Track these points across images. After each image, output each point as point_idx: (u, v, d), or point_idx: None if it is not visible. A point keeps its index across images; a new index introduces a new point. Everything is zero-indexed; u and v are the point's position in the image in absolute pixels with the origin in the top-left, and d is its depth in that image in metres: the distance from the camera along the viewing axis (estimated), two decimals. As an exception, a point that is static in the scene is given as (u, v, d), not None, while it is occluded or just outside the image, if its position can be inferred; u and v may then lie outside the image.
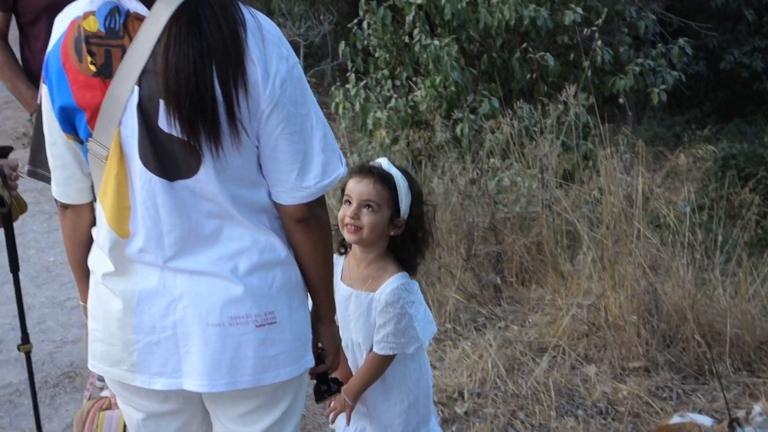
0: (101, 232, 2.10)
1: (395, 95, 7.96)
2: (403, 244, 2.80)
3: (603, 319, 4.75)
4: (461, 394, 4.27)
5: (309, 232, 2.12)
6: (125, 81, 1.94)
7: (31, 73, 4.24)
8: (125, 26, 1.96)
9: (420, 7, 7.49)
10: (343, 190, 2.80)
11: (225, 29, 1.91)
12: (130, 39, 1.94)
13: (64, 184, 2.15)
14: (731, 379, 4.46)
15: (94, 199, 2.14)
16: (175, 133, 1.95)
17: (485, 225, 5.72)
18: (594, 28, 6.48)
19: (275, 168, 2.04)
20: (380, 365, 2.77)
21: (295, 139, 2.02)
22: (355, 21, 8.20)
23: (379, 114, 7.57)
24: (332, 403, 2.81)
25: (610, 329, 4.67)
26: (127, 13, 1.96)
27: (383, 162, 2.79)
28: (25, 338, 3.63)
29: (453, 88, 7.33)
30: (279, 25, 9.13)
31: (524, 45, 7.32)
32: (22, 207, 3.32)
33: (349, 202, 2.74)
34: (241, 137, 1.96)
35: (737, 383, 4.43)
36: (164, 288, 2.07)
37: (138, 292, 2.08)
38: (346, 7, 12.08)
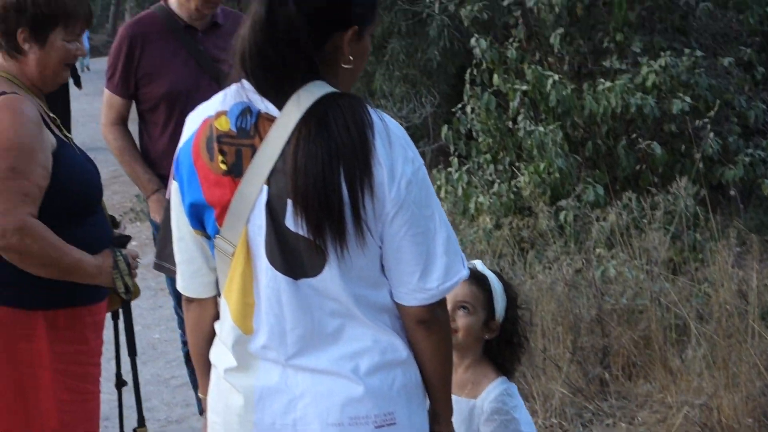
0: (225, 328, 2.13)
1: (498, 180, 7.93)
2: (498, 347, 2.77)
3: (716, 419, 4.58)
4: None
5: (430, 333, 2.12)
6: (255, 180, 1.99)
7: (148, 157, 4.36)
8: (256, 126, 2.01)
9: (525, 93, 7.49)
10: None
11: (353, 131, 1.94)
12: (261, 139, 1.99)
13: (189, 278, 2.20)
14: None
15: (218, 294, 2.17)
16: (301, 233, 1.98)
17: (591, 317, 5.61)
18: (706, 120, 6.39)
19: (398, 269, 2.05)
20: None
21: (419, 240, 2.03)
22: (459, 105, 8.23)
23: (481, 199, 7.54)
24: None
25: (723, 430, 4.51)
26: (258, 114, 2.02)
27: (478, 264, 2.77)
28: (141, 421, 3.73)
29: (557, 175, 7.27)
30: (379, 106, 9.26)
31: (631, 134, 7.24)
32: (137, 292, 3.42)
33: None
34: (365, 238, 1.98)
35: None
36: (286, 385, 2.09)
37: (260, 389, 2.10)
38: (447, 89, 12.15)
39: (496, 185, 7.88)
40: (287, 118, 1.96)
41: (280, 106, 1.98)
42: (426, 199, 2.04)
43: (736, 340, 4.77)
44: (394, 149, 1.98)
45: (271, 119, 1.99)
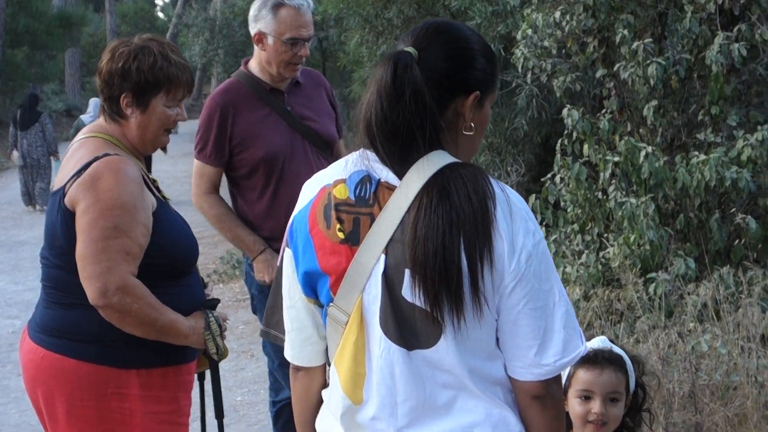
0: (334, 397, 2.13)
1: (586, 251, 7.86)
2: (625, 420, 2.70)
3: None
4: None
5: (544, 409, 2.09)
6: (372, 249, 1.99)
7: (246, 222, 4.41)
8: (375, 195, 2.02)
9: (616, 164, 7.44)
10: None
11: (474, 202, 1.94)
12: (380, 208, 2.01)
13: (300, 346, 2.20)
14: None
15: (328, 363, 2.17)
16: (418, 303, 1.98)
17: (684, 392, 5.49)
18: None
19: (514, 343, 2.04)
20: None
21: (537, 315, 2.01)
22: (549, 175, 8.21)
23: (569, 269, 7.48)
24: None
25: None
26: (378, 182, 2.03)
27: (601, 341, 2.72)
28: (229, 482, 3.69)
29: (647, 247, 7.19)
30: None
31: (724, 208, 7.13)
32: (226, 353, 3.45)
33: (588, 397, 2.65)
34: (483, 310, 1.97)
35: None
36: None
37: None
38: (533, 158, 12.15)
39: (584, 256, 7.82)
40: (408, 188, 1.97)
41: (401, 176, 2.00)
42: (546, 273, 2.02)
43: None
44: (515, 221, 1.97)
45: (391, 188, 2.00)
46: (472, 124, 2.07)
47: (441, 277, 1.93)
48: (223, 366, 8.15)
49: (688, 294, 6.32)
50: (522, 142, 12.11)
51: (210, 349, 3.31)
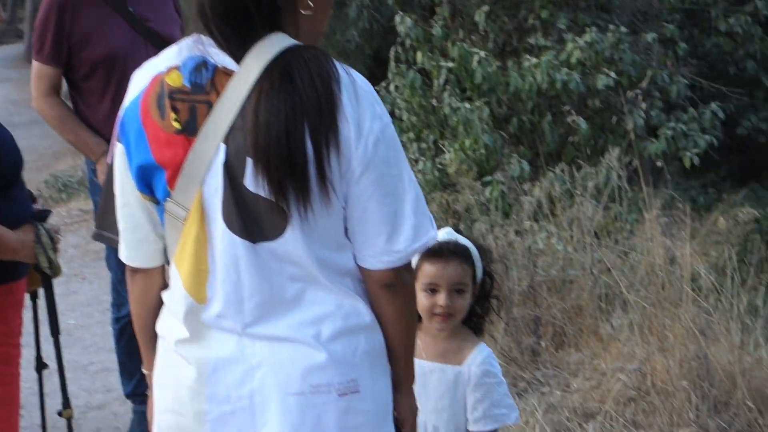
0: (175, 297, 2.02)
1: (422, 158, 7.92)
2: (474, 309, 2.71)
3: (650, 384, 4.64)
4: (509, 461, 4.16)
5: (395, 297, 2.04)
6: (211, 138, 1.88)
7: (89, 127, 4.21)
8: (213, 82, 1.90)
9: (450, 70, 7.48)
10: None
11: (318, 85, 1.84)
12: (218, 95, 1.89)
13: (135, 247, 2.07)
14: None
15: (167, 262, 2.07)
16: (262, 193, 1.88)
17: (524, 288, 5.64)
18: (638, 91, 6.47)
19: (364, 231, 1.97)
20: None
21: (387, 201, 1.94)
22: (383, 84, 8.19)
23: (407, 177, 7.52)
24: None
25: (658, 394, 4.57)
26: (215, 68, 1.91)
27: (447, 233, 2.68)
28: (66, 403, 3.59)
29: (483, 151, 7.30)
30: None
31: (555, 110, 7.30)
32: (59, 269, 3.28)
33: (434, 290, 2.62)
34: (330, 198, 1.89)
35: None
36: (242, 355, 1.98)
37: (214, 360, 1.99)
38: (365, 70, 12.11)
39: (421, 163, 7.88)
40: (247, 73, 1.85)
41: (239, 60, 1.89)
42: (394, 158, 1.95)
43: (669, 305, 4.83)
44: (361, 105, 1.87)
45: (229, 74, 1.88)
46: (311, 3, 1.97)
47: (285, 165, 1.82)
48: (55, 290, 7.92)
49: (524, 194, 6.46)
50: (353, 54, 12.05)
51: (42, 263, 3.13)
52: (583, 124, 7.06)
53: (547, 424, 4.36)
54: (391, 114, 8.65)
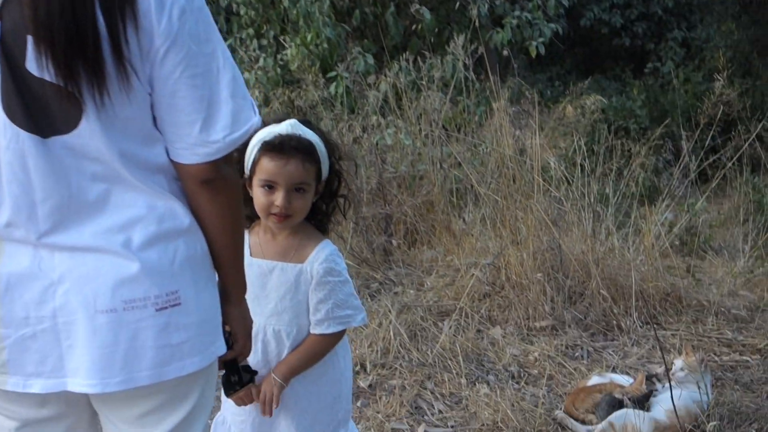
0: None
1: (263, 55, 7.55)
2: (320, 205, 2.43)
3: (505, 277, 4.52)
4: (363, 367, 3.97)
5: (216, 195, 1.74)
6: None
7: None
8: None
9: (287, -39, 7.08)
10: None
11: None
12: None
13: None
14: (639, 333, 4.30)
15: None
16: (48, 78, 1.53)
17: (372, 186, 5.42)
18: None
19: (174, 119, 1.64)
20: (325, 346, 2.41)
21: (198, 83, 1.62)
22: (218, -22, 7.73)
23: (247, 75, 7.15)
24: (262, 392, 2.42)
25: (513, 288, 4.45)
26: None
27: (291, 125, 2.37)
28: None
29: (325, 46, 6.98)
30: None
31: (402, 2, 7.02)
32: None
33: (271, 187, 2.32)
34: (131, 81, 1.56)
35: (646, 337, 4.28)
36: (39, 270, 1.65)
37: (6, 276, 1.66)
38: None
39: (261, 60, 7.51)
40: None
41: None
42: (206, 33, 1.63)
43: (521, 197, 4.70)
44: None
45: None
46: None
47: (73, 42, 1.49)
48: None
49: (369, 88, 6.19)
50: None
51: None
52: (427, 14, 6.81)
53: (401, 325, 4.18)
54: (228, 9, 8.21)
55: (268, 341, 2.40)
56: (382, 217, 5.36)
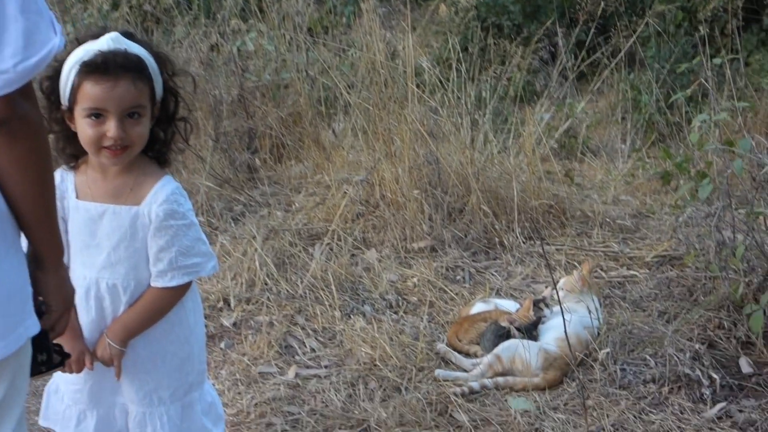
0: None
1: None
2: (156, 132, 2.04)
3: (379, 195, 4.19)
4: (227, 302, 3.61)
5: (14, 140, 1.39)
6: None
7: None
8: None
9: None
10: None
11: None
12: None
13: None
14: (523, 251, 4.05)
15: None
16: None
17: (233, 97, 4.97)
18: None
19: None
20: (168, 301, 2.05)
21: None
22: None
23: (90, -25, 6.53)
24: (98, 357, 2.05)
25: (388, 207, 4.13)
26: None
27: (113, 39, 1.95)
28: None
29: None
30: None
31: None
32: None
33: (100, 116, 1.91)
34: None
35: (530, 254, 4.03)
36: None
37: None
38: None
39: (108, -41, 6.88)
40: None
41: None
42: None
43: (394, 105, 4.34)
44: None
45: None
46: None
47: None
48: None
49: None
50: None
51: None
52: None
53: (268, 253, 3.82)
54: None
55: (102, 297, 2.06)
56: (245, 132, 4.94)
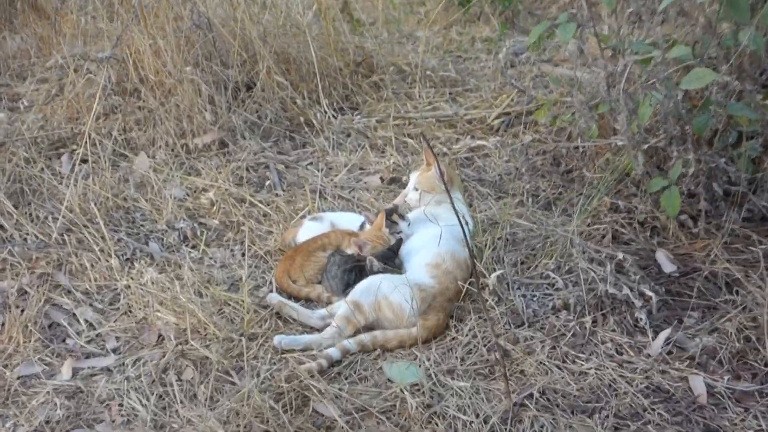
0: None
1: None
2: None
3: (137, 78, 3.13)
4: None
5: None
6: None
7: None
8: None
9: None
10: None
11: None
12: None
13: None
14: (337, 129, 3.16)
15: None
16: None
17: None
18: None
19: None
20: None
21: None
22: None
23: None
24: None
25: (153, 92, 3.08)
26: None
27: None
28: None
29: None
30: None
31: None
32: None
33: None
34: None
35: (347, 133, 3.15)
36: None
37: None
38: None
39: None
40: None
41: None
42: None
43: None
44: None
45: None
46: None
47: None
48: None
49: None
50: None
51: None
52: None
53: (-3, 180, 2.73)
54: None
55: None
56: None
